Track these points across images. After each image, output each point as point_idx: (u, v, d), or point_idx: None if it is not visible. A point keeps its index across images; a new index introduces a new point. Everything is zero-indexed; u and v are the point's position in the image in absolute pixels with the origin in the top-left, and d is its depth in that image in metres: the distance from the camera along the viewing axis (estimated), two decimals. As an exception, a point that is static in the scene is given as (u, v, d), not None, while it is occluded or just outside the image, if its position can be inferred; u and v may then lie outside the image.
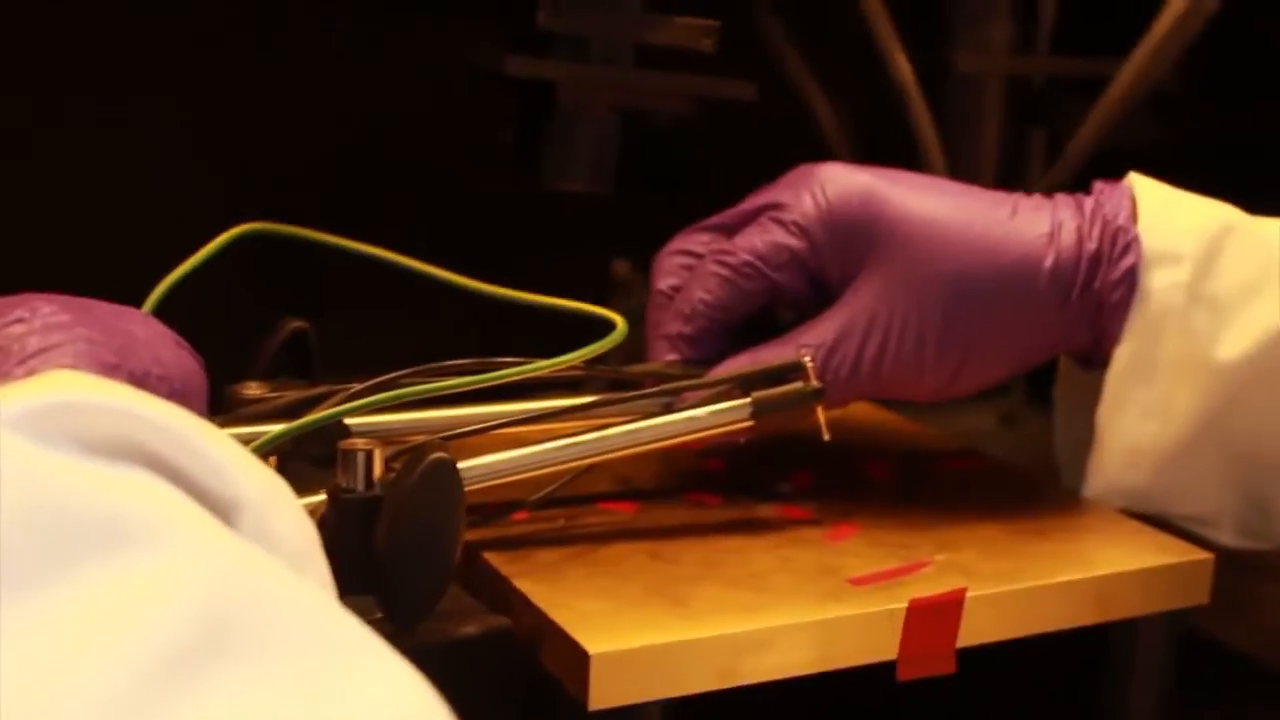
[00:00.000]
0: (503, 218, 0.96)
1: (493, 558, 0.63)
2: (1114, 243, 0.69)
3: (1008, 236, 0.69)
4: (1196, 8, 0.88)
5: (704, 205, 0.74)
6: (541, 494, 0.68)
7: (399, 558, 0.55)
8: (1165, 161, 1.03)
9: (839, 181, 0.70)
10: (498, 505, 0.68)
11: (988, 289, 0.69)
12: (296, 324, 0.72)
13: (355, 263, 0.75)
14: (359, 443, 0.59)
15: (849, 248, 0.70)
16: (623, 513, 0.69)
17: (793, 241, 0.70)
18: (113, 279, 0.66)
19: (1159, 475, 0.70)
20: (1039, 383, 1.16)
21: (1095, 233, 0.70)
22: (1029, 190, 0.73)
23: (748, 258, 0.71)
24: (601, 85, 0.76)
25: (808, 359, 0.67)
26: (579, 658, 0.56)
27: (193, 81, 0.93)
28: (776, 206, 0.71)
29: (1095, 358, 0.72)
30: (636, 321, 1.16)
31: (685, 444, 0.67)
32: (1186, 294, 0.69)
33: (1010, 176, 0.92)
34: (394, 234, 0.77)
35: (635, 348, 1.18)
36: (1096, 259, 0.69)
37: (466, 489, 0.61)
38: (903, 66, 0.88)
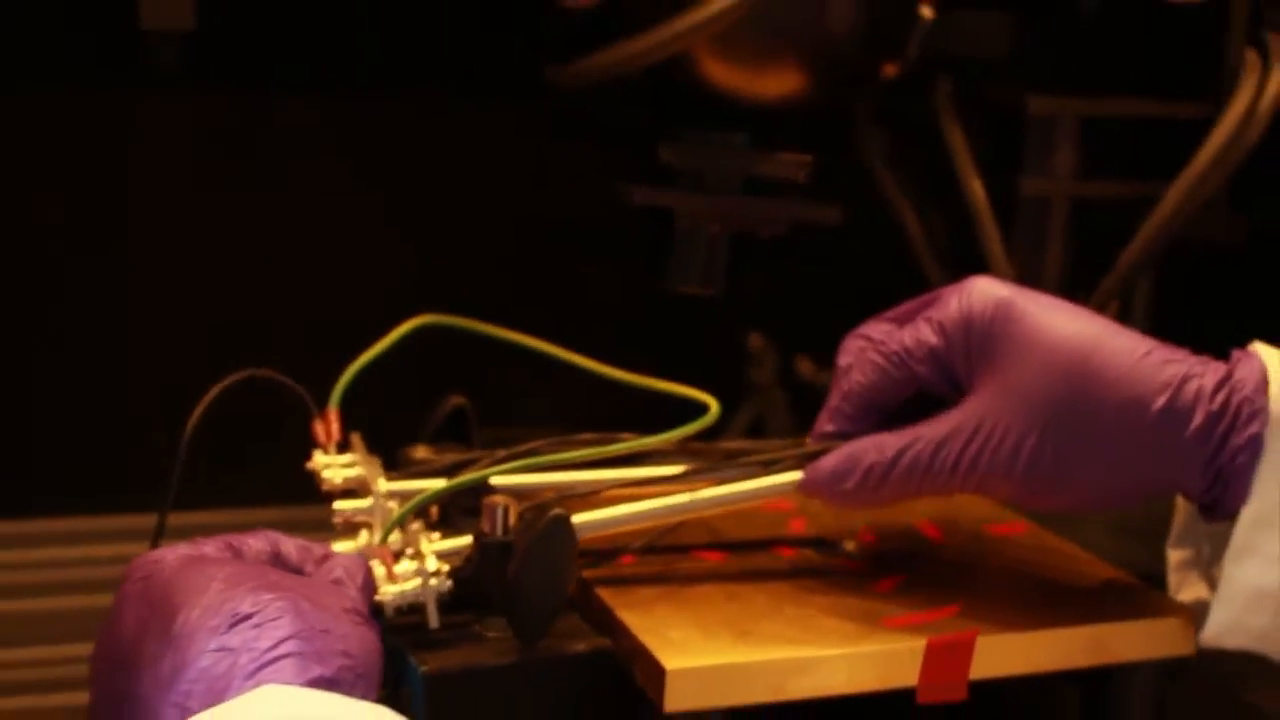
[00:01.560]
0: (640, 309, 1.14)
1: (602, 591, 0.80)
2: (1240, 409, 0.74)
3: (1127, 374, 0.75)
4: (1239, 139, 1.02)
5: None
6: (644, 542, 0.85)
7: (523, 590, 0.72)
8: (1235, 255, 1.17)
9: (983, 291, 0.78)
10: (611, 550, 0.84)
11: (1090, 420, 0.74)
12: (457, 399, 0.90)
13: (512, 348, 0.92)
14: (499, 498, 0.76)
15: (981, 352, 0.78)
16: (711, 560, 0.86)
17: (934, 340, 0.79)
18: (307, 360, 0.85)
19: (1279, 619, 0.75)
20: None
21: (1222, 395, 0.74)
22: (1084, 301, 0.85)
23: (896, 349, 0.81)
24: (710, 211, 0.92)
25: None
26: (659, 673, 0.72)
27: (391, 186, 1.13)
28: (932, 305, 0.81)
29: (1217, 512, 0.77)
30: (768, 386, 1.32)
31: (751, 507, 0.83)
32: None
33: (1075, 294, 1.06)
34: (551, 324, 0.94)
35: (769, 409, 1.34)
36: (1219, 416, 0.74)
37: (583, 537, 0.78)
38: (976, 189, 1.03)
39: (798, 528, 0.91)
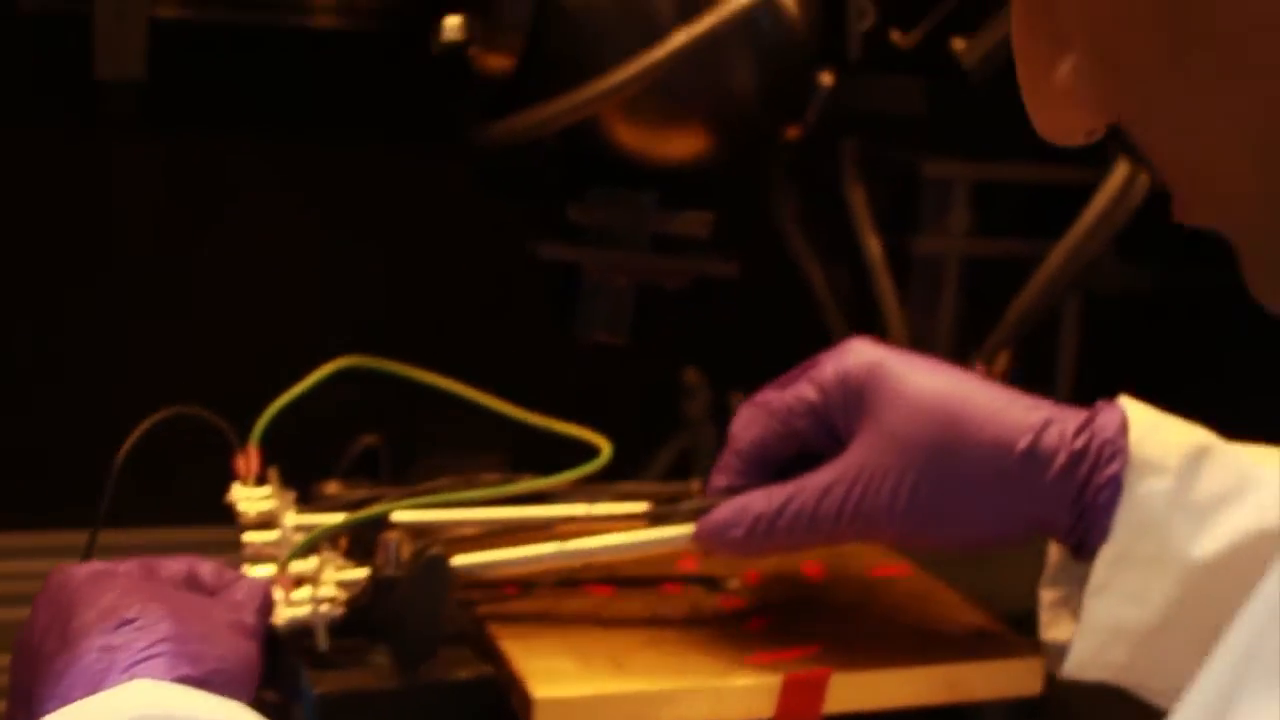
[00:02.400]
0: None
1: (490, 622, 0.86)
2: (1102, 450, 0.79)
3: (993, 418, 0.81)
4: (1121, 203, 1.08)
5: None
6: (537, 576, 0.91)
7: (402, 623, 0.78)
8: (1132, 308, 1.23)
9: (858, 353, 0.85)
10: (504, 581, 0.90)
11: (959, 460, 0.80)
12: (370, 438, 0.96)
13: (433, 393, 0.98)
14: (393, 535, 0.82)
15: (857, 407, 0.84)
16: (600, 595, 0.92)
17: (813, 397, 0.86)
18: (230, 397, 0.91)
19: (1137, 654, 0.80)
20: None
21: (1084, 438, 0.80)
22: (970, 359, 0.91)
23: (779, 407, 0.87)
24: (615, 267, 0.98)
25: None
26: (528, 702, 0.78)
27: (327, 230, 1.19)
28: (812, 367, 0.87)
29: (1082, 550, 0.82)
30: (699, 421, 1.38)
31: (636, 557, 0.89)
32: (1168, 501, 0.78)
33: (967, 346, 1.13)
34: (468, 369, 1.00)
35: (700, 444, 1.40)
36: (1081, 456, 0.79)
37: (477, 573, 0.84)
38: (873, 248, 1.09)
39: (688, 566, 0.97)
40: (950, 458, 0.81)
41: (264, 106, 1.24)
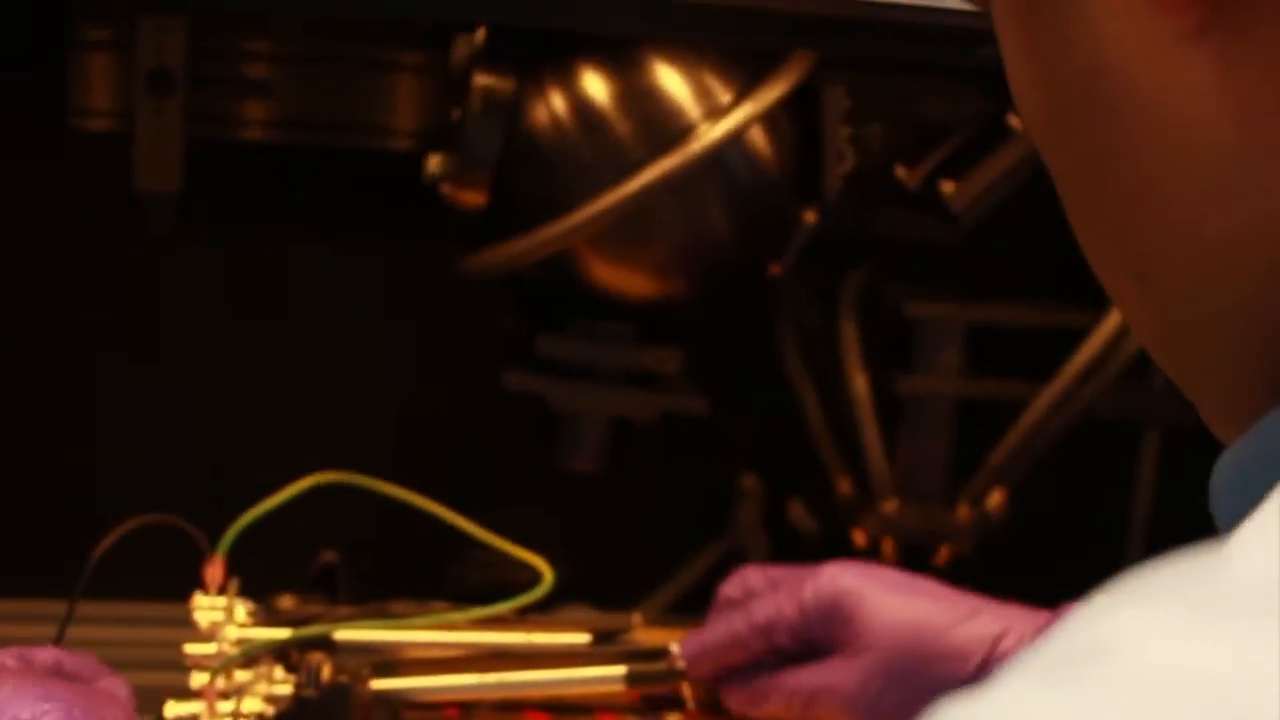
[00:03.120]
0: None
1: (416, 747, 0.88)
2: None
3: (947, 633, 0.86)
4: (1116, 348, 1.07)
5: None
6: (481, 701, 0.93)
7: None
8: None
9: (834, 578, 0.89)
10: (442, 704, 0.93)
11: (920, 674, 0.86)
12: (329, 555, 0.99)
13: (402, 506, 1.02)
14: (316, 656, 0.85)
15: (830, 629, 0.89)
16: (536, 721, 0.93)
17: (793, 617, 0.89)
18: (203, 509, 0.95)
19: None
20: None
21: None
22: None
23: (759, 621, 0.90)
24: (582, 400, 1.01)
25: (675, 648, 0.90)
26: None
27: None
28: (797, 584, 0.91)
29: None
30: (752, 528, 1.38)
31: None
32: None
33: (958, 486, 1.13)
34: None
35: (751, 551, 1.40)
36: None
37: (409, 696, 0.87)
38: (859, 386, 1.10)
39: (633, 695, 0.98)
40: (912, 678, 0.86)
41: (289, 222, 1.29)
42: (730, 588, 0.95)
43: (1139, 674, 0.31)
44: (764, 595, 0.92)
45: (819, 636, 0.90)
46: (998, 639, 0.85)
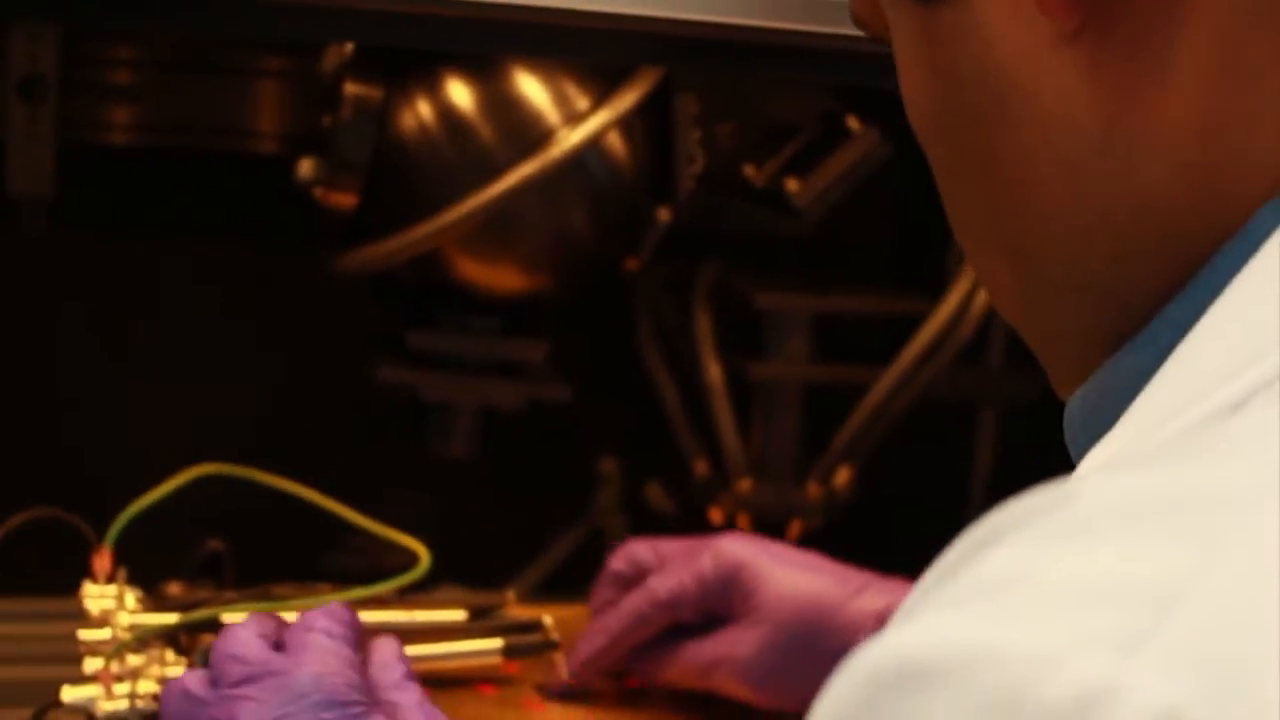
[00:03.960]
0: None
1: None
2: None
3: (841, 608, 0.93)
4: (951, 335, 1.15)
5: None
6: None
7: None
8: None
9: (732, 551, 0.96)
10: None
11: (815, 646, 0.92)
12: (214, 543, 1.04)
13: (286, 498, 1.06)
14: (208, 638, 0.90)
15: (729, 598, 0.95)
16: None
17: (692, 589, 0.95)
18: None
19: None
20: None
21: None
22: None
23: (664, 599, 0.96)
24: (450, 390, 1.07)
25: (548, 620, 0.96)
26: (310, 794, 0.85)
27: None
28: (692, 558, 0.97)
29: None
30: (610, 512, 1.44)
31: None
32: None
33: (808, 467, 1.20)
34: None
35: (609, 534, 1.46)
36: None
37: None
38: (713, 374, 1.17)
39: (510, 669, 1.04)
40: (805, 645, 0.93)
41: (163, 216, 1.33)
42: (618, 562, 1.00)
43: (1029, 592, 0.36)
44: (663, 570, 0.97)
45: (718, 607, 0.96)
46: (884, 612, 0.91)
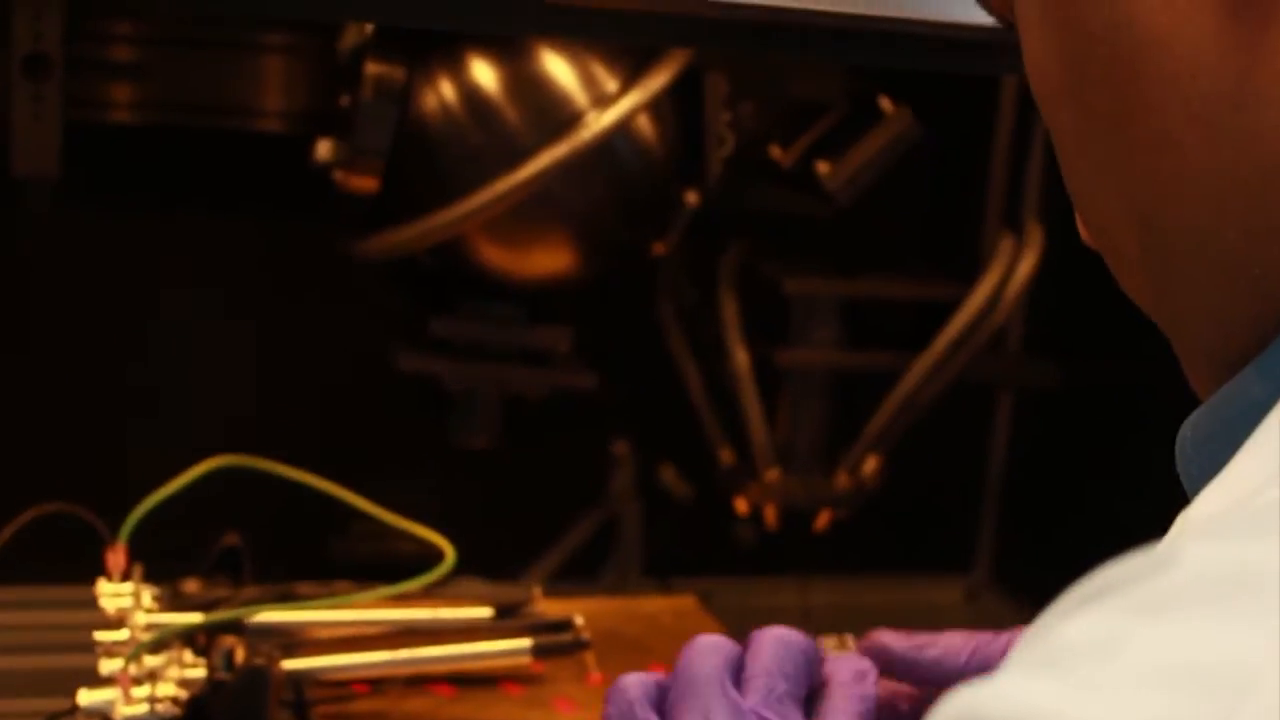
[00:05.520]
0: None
1: (325, 723, 0.91)
2: None
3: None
4: (985, 320, 1.12)
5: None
6: (390, 677, 0.95)
7: (225, 722, 0.83)
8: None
9: None
10: (351, 680, 0.95)
11: None
12: (231, 538, 1.01)
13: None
14: (229, 640, 0.87)
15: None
16: (443, 695, 0.96)
17: None
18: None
19: None
20: (1003, 562, 1.41)
21: None
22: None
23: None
24: (474, 379, 1.04)
25: (579, 619, 0.93)
26: (339, 802, 0.83)
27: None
28: None
29: None
30: (625, 495, 1.41)
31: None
32: None
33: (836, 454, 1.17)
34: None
35: (625, 517, 1.43)
36: None
37: (320, 675, 0.89)
38: (740, 359, 1.14)
39: (538, 668, 1.01)
40: None
41: (166, 197, 1.30)
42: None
43: (1108, 665, 0.35)
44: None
45: None
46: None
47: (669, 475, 1.44)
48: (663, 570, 1.44)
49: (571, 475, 1.42)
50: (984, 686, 0.36)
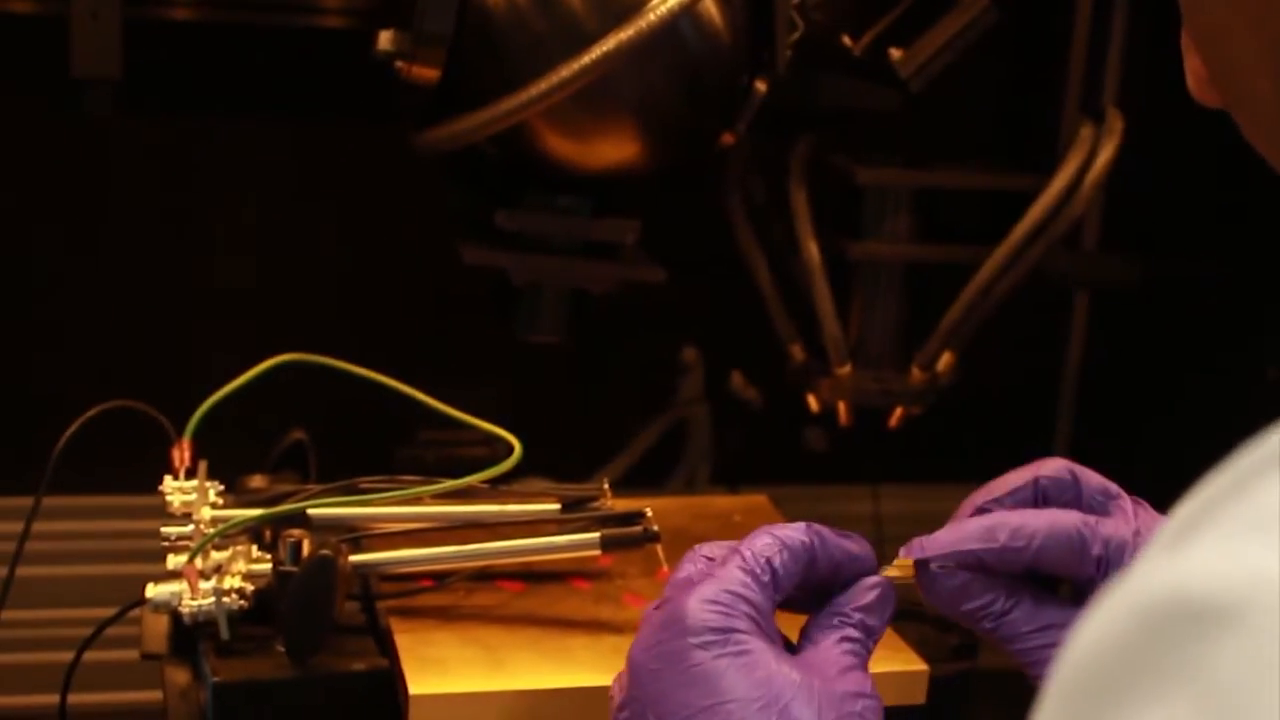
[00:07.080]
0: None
1: (392, 617, 0.89)
2: None
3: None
4: (1064, 211, 1.09)
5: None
6: (456, 571, 0.94)
7: (290, 617, 0.82)
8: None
9: None
10: (417, 575, 0.94)
11: None
12: (297, 433, 1.00)
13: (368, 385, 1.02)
14: (296, 532, 0.86)
15: None
16: (510, 590, 0.95)
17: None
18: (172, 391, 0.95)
19: None
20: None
21: None
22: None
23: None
24: (540, 272, 1.02)
25: (649, 511, 0.91)
26: (406, 696, 0.81)
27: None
28: None
29: None
30: (694, 400, 1.40)
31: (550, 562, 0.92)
32: None
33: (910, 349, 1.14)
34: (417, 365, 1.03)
35: (694, 423, 1.41)
36: None
37: (383, 569, 0.88)
38: (811, 252, 1.11)
39: (605, 561, 1.00)
40: None
41: (234, 102, 1.28)
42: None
43: None
44: None
45: None
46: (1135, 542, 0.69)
47: (738, 380, 1.42)
48: (731, 477, 1.43)
49: (639, 380, 1.40)
50: (1178, 561, 0.32)
